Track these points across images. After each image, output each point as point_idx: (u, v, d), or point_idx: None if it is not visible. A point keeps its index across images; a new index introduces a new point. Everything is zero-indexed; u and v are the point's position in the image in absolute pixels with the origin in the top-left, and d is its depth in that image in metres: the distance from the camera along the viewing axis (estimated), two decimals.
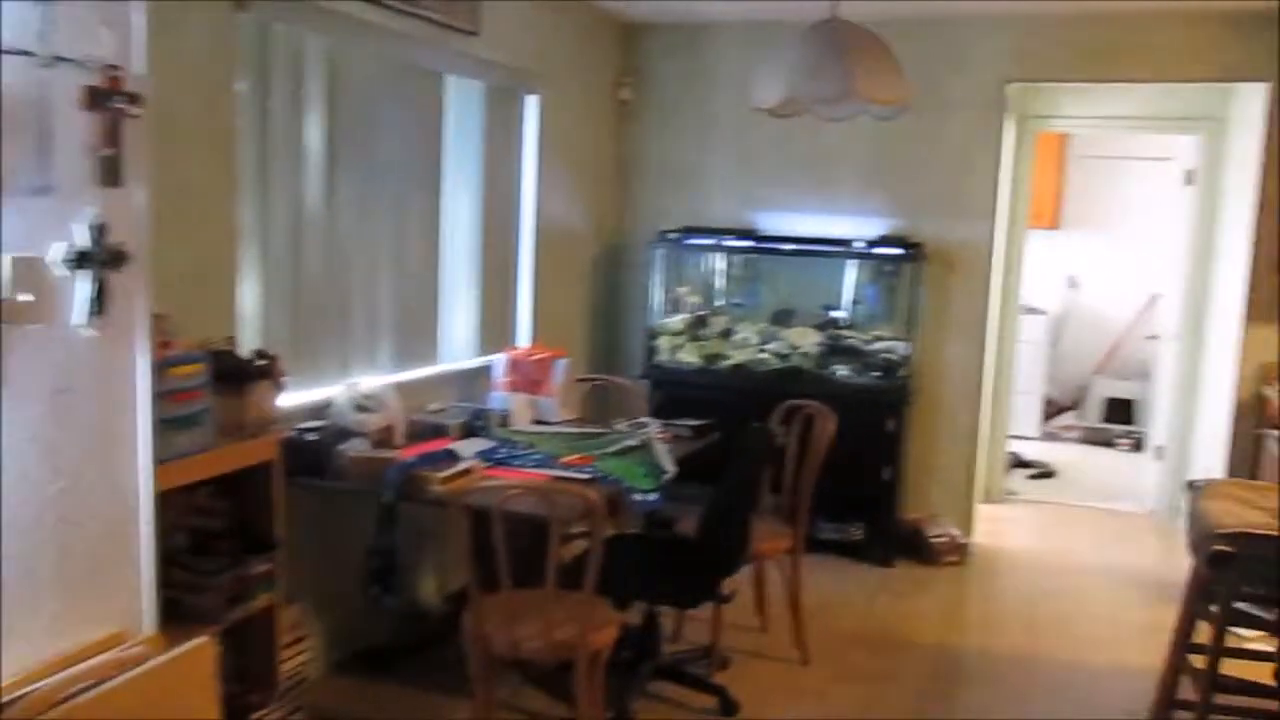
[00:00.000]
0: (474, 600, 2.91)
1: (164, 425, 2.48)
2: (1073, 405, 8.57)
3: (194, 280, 2.99)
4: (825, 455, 3.88)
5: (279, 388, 2.98)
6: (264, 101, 3.33)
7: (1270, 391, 4.79)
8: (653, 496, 3.26)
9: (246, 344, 3.18)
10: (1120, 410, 8.15)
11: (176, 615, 2.59)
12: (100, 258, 1.95)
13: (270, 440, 2.90)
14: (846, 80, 3.00)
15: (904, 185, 5.38)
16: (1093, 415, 8.25)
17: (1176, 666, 3.14)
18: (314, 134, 3.57)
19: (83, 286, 1.93)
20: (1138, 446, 7.72)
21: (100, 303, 1.96)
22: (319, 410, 3.55)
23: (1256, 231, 4.94)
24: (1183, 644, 3.11)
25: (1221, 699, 3.00)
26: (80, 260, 1.92)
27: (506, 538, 2.80)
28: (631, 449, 3.68)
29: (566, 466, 3.43)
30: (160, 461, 2.26)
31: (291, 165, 3.50)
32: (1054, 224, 8.26)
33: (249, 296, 3.33)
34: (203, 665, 2.01)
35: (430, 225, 4.35)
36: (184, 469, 2.58)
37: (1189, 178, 6.11)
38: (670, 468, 3.48)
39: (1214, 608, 2.92)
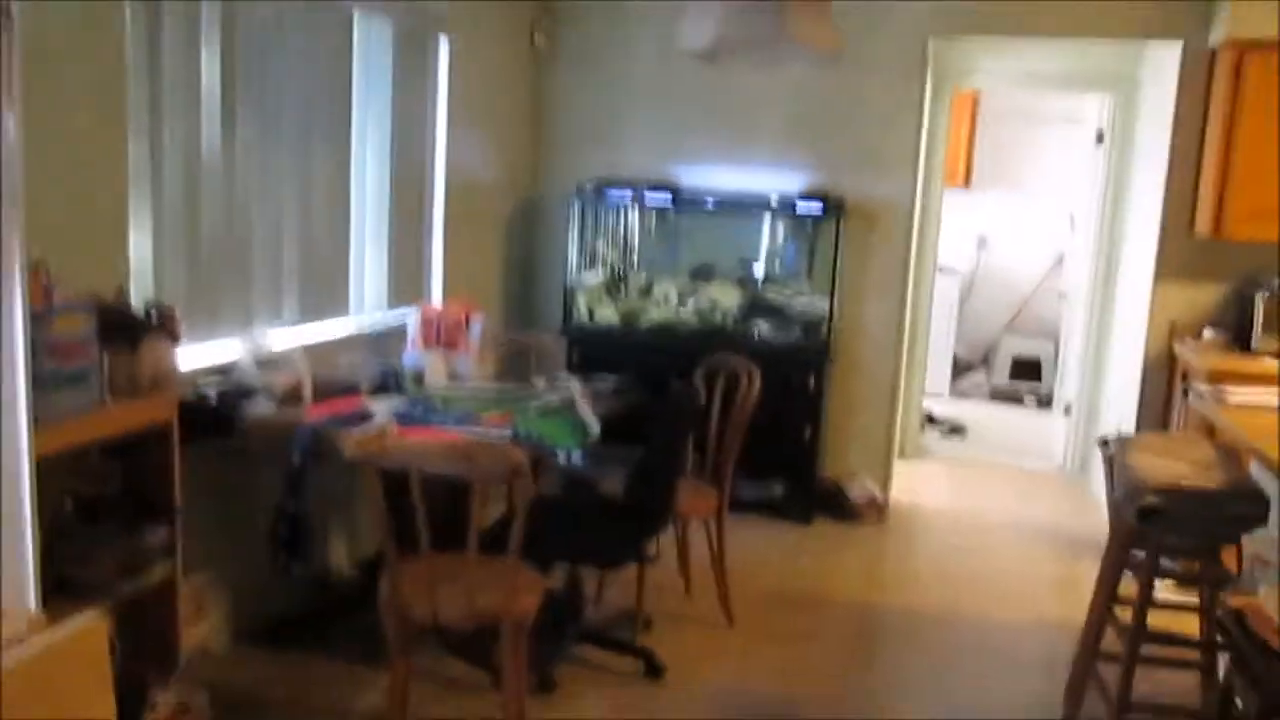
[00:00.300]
0: (390, 566, 2.75)
1: (45, 383, 2.27)
2: (981, 363, 8.70)
3: (79, 227, 2.74)
4: (750, 414, 3.80)
5: (175, 343, 2.77)
6: (154, 35, 3.07)
7: (1180, 348, 4.86)
8: (576, 456, 3.13)
9: (139, 297, 2.95)
10: (1027, 368, 8.29)
11: (63, 590, 2.39)
12: None
13: (166, 400, 2.70)
14: (780, 21, 2.88)
15: (825, 140, 5.30)
16: (1000, 373, 8.38)
17: (1101, 619, 3.15)
18: (211, 71, 3.31)
19: None
20: (1044, 403, 7.86)
21: None
22: (221, 368, 3.33)
23: (1167, 190, 5.00)
24: (1107, 597, 3.11)
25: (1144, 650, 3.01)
26: None
27: (423, 500, 2.64)
28: (553, 408, 3.55)
29: (486, 425, 3.28)
30: (41, 423, 2.05)
31: (187, 104, 3.24)
32: (965, 182, 8.31)
33: (141, 246, 3.08)
34: (93, 646, 1.82)
35: (339, 173, 4.12)
36: (68, 431, 2.37)
37: (1100, 137, 6.17)
38: (594, 426, 3.35)
39: (1143, 558, 2.92)
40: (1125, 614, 3.08)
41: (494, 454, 2.69)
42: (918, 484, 5.92)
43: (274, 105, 3.65)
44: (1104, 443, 3.36)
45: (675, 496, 3.50)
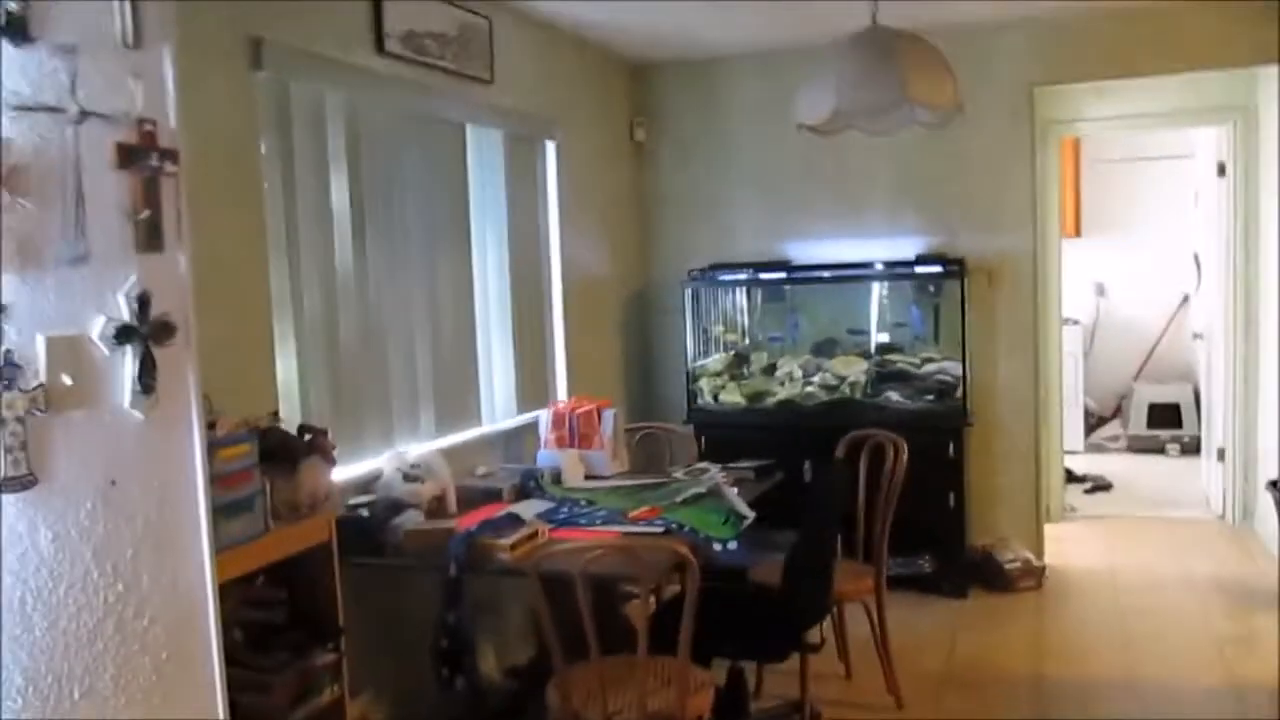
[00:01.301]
0: (560, 673, 2.68)
1: (215, 513, 2.28)
2: (1113, 414, 8.35)
3: (230, 353, 2.79)
4: (901, 486, 3.67)
5: (330, 463, 2.78)
6: (287, 162, 3.17)
7: None
8: (733, 545, 3.03)
9: (287, 417, 2.99)
10: (1165, 415, 7.92)
11: (239, 718, 2.37)
12: (144, 331, 1.75)
13: (324, 520, 2.70)
14: (900, 86, 2.84)
15: (936, 201, 5.20)
16: (1137, 422, 8.02)
17: None
18: (339, 193, 3.40)
19: (127, 364, 1.74)
20: (1189, 450, 7.49)
21: (147, 381, 1.76)
22: (366, 484, 3.35)
23: None
24: None
25: None
26: (123, 335, 1.73)
27: (577, 603, 2.56)
28: (699, 496, 3.47)
29: (635, 521, 3.21)
30: (215, 552, 2.05)
31: (319, 227, 3.32)
32: (1075, 231, 8.09)
33: (286, 367, 3.14)
34: None
35: (462, 281, 4.17)
36: (239, 559, 2.37)
37: (1221, 169, 5.95)
38: (748, 512, 3.26)
39: None
40: None
41: (655, 548, 2.62)
42: (1070, 546, 5.64)
43: (398, 219, 3.73)
44: (1275, 485, 3.14)
45: (833, 579, 3.37)
